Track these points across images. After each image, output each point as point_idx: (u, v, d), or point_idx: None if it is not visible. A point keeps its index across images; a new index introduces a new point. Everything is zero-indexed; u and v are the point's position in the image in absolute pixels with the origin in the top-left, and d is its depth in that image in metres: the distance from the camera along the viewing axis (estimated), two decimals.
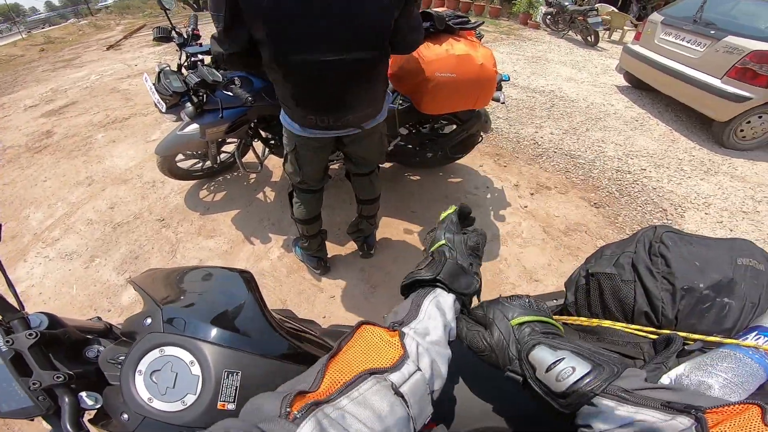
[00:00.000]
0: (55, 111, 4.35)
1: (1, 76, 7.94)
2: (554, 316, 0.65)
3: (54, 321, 0.56)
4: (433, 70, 1.68)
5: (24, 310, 0.55)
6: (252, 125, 2.32)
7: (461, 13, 1.99)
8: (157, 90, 2.07)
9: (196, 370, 0.55)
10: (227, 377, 0.54)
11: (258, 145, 2.55)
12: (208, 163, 2.63)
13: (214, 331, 0.57)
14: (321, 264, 2.08)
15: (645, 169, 3.10)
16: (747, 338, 0.53)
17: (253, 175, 2.85)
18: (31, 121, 4.15)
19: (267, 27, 1.14)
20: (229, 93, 2.10)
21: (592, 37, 6.84)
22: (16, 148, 3.55)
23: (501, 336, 0.48)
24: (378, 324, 0.47)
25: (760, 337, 0.52)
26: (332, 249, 2.23)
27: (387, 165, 2.86)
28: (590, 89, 4.75)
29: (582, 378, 0.40)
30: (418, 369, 0.41)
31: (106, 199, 2.76)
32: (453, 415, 0.63)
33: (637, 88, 4.66)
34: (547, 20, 8.07)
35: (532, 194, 2.77)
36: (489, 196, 2.73)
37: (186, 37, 2.35)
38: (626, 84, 4.84)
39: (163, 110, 2.10)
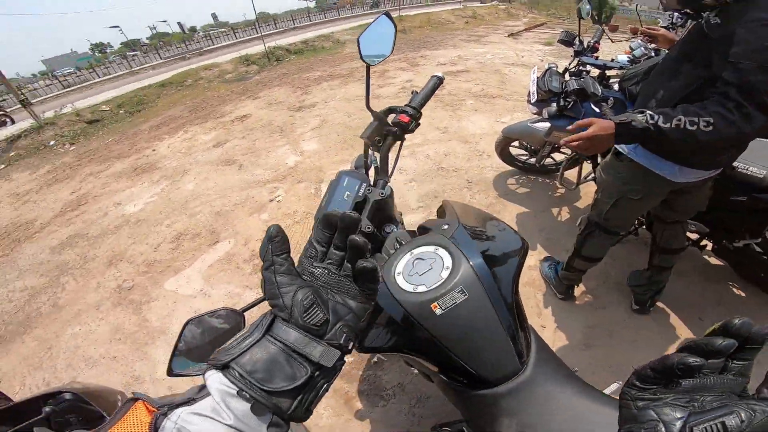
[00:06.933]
0: (452, 72, 5.67)
1: (434, 34, 10.75)
2: None
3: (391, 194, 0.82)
4: None
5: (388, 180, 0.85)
6: None
7: None
8: (537, 83, 2.36)
9: (444, 274, 0.68)
10: (457, 292, 0.64)
11: (586, 167, 2.53)
12: (532, 160, 2.86)
13: (479, 260, 0.70)
14: (570, 293, 2.05)
15: None
16: None
17: (562, 190, 2.88)
18: (438, 68, 5.59)
19: None
20: (597, 109, 2.14)
21: None
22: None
23: None
24: (150, 401, 0.39)
25: None
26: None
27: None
28: None
29: None
30: None
31: (446, 147, 3.53)
32: None
33: None
34: None
35: None
36: None
37: (586, 47, 2.49)
38: None
39: (532, 101, 2.38)
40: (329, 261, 0.41)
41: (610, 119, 1.18)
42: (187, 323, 0.64)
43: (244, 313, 0.65)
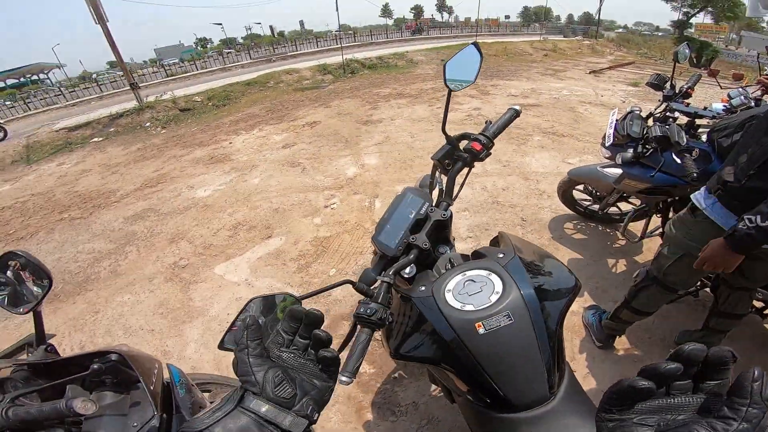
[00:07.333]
0: (523, 105, 5.56)
1: (508, 64, 10.63)
2: None
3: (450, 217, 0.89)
4: None
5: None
6: (669, 200, 2.14)
7: None
8: (615, 125, 2.23)
9: (493, 297, 0.70)
10: (503, 316, 0.67)
11: (653, 221, 2.35)
12: (595, 207, 2.70)
13: (530, 291, 0.71)
14: (609, 343, 1.94)
15: None
16: None
17: (623, 242, 2.69)
18: (509, 99, 5.51)
19: None
20: (678, 160, 1.97)
21: None
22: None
23: None
24: None
25: None
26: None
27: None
28: None
29: None
30: None
31: (505, 181, 3.46)
32: None
33: None
34: None
35: None
36: None
37: (677, 92, 2.31)
38: None
39: (606, 144, 2.25)
40: (295, 347, 0.48)
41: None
42: (249, 302, 0.70)
43: (302, 302, 0.70)
